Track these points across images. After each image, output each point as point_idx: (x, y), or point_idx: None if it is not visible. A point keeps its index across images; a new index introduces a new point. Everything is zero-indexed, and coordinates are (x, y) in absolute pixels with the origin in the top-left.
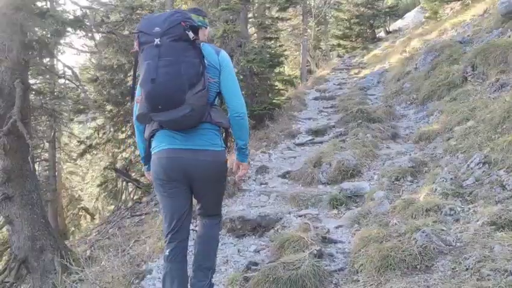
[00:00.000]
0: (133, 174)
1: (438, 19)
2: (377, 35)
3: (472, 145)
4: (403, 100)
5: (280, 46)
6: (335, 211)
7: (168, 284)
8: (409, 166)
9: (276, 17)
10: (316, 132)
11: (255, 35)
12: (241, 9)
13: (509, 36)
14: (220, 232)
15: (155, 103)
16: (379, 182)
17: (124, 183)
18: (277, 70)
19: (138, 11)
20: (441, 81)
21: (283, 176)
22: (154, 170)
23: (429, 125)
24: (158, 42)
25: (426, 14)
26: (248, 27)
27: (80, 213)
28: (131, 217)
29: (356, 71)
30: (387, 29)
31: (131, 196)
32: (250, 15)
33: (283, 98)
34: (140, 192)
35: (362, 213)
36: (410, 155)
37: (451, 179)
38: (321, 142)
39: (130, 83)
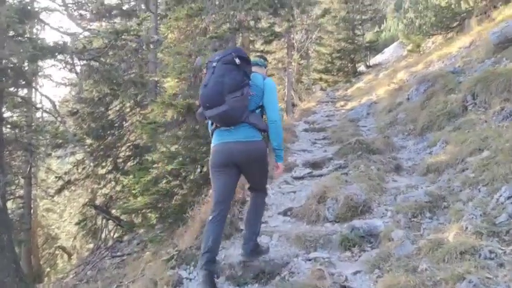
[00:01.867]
0: (113, 211)
1: (421, 52)
2: (358, 69)
3: (494, 177)
4: (399, 131)
5: None
6: (348, 253)
7: (205, 239)
8: (426, 201)
9: (261, 50)
10: (314, 165)
11: None
12: (230, 38)
13: (505, 66)
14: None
15: (205, 102)
16: (394, 219)
17: (104, 220)
18: None
19: (124, 36)
20: (440, 111)
21: (285, 213)
22: (210, 161)
23: (435, 156)
24: (215, 65)
25: (409, 48)
26: None
27: (57, 252)
28: (111, 258)
29: (342, 103)
30: (368, 63)
31: (112, 235)
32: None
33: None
34: (121, 231)
35: (381, 256)
36: (422, 188)
37: (481, 215)
38: (320, 175)
39: (112, 116)
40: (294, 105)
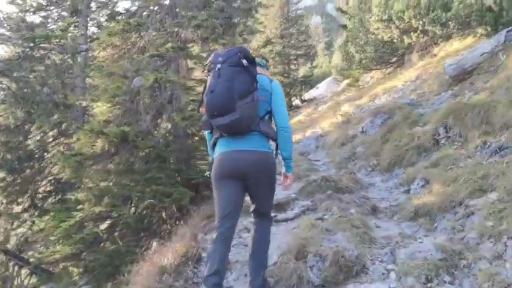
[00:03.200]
0: (30, 253)
1: (360, 87)
2: (293, 103)
3: None
4: (362, 166)
5: None
6: None
7: (211, 260)
8: (439, 258)
9: (200, 79)
10: (277, 207)
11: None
12: (173, 58)
13: (470, 98)
14: None
15: (212, 110)
16: (402, 284)
17: (17, 267)
18: None
19: (43, 44)
20: (406, 144)
21: None
22: (214, 171)
23: (418, 196)
24: (219, 67)
25: (348, 82)
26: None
27: None
28: None
29: None
30: (303, 97)
31: (25, 284)
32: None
33: None
34: (37, 280)
35: None
36: (420, 239)
37: None
38: (286, 220)
39: (31, 146)
40: None
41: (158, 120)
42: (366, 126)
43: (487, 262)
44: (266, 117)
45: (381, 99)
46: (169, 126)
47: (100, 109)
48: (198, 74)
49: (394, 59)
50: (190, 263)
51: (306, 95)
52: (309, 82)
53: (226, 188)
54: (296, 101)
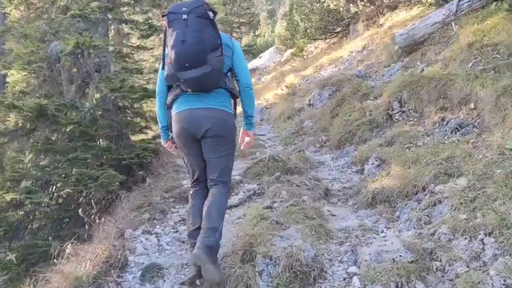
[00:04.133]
0: None
1: (304, 57)
2: None
3: (503, 222)
4: (310, 142)
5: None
6: None
7: (192, 215)
8: (409, 260)
9: (137, 46)
10: None
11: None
12: (100, 20)
13: (422, 70)
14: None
15: (183, 61)
16: None
17: None
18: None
19: None
20: (357, 119)
21: (191, 283)
22: (174, 130)
23: (374, 179)
24: (186, 17)
25: (292, 51)
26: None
27: None
28: None
29: None
30: None
31: None
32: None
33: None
34: None
35: None
36: (385, 233)
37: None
38: (230, 207)
39: None
40: None
41: (87, 91)
42: (313, 99)
43: (464, 264)
44: (228, 74)
45: (327, 70)
46: (97, 98)
47: (14, 78)
48: (133, 40)
49: (339, 29)
50: (113, 271)
51: (249, 65)
52: (252, 51)
53: (192, 154)
54: None
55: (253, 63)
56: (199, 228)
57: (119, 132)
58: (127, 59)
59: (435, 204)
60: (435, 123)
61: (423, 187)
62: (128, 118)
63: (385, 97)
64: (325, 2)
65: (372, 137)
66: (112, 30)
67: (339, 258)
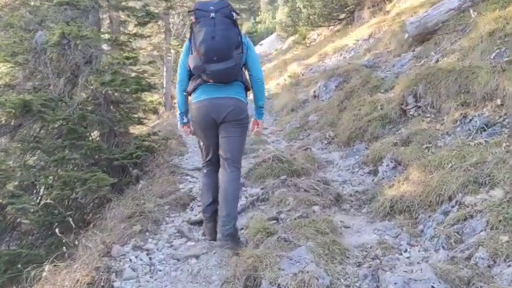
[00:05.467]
0: None
1: (307, 45)
2: None
3: None
4: (316, 138)
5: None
6: None
7: (206, 192)
8: None
9: (134, 33)
10: None
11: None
12: (90, 7)
13: (437, 60)
14: None
15: (212, 55)
16: None
17: None
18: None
19: None
20: (368, 114)
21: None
22: (193, 117)
23: (391, 184)
24: (213, 16)
25: (294, 39)
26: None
27: None
28: None
29: None
30: None
31: None
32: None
33: (157, 137)
34: None
35: None
36: (407, 252)
37: None
38: None
39: None
40: (173, 98)
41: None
42: (318, 90)
43: None
44: (242, 68)
45: (331, 59)
46: (87, 91)
47: None
48: (130, 28)
49: (343, 16)
50: None
51: None
52: (253, 38)
53: (208, 137)
54: None
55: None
56: (211, 203)
57: (110, 129)
58: (123, 47)
59: (466, 219)
60: (456, 120)
61: (450, 197)
62: (122, 113)
63: (398, 90)
64: None
65: (385, 134)
66: (108, 18)
67: (357, 284)
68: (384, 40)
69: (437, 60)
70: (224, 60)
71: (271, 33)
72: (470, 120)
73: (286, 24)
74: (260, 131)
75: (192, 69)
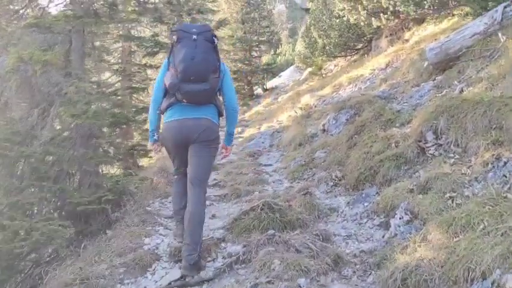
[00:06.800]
0: None
1: (323, 76)
2: (255, 92)
3: None
4: (321, 179)
5: None
6: None
7: (177, 197)
8: None
9: (144, 64)
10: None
11: (118, 84)
12: (73, 32)
13: (461, 91)
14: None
15: (189, 74)
16: None
17: None
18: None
19: None
20: (380, 152)
21: None
22: (165, 136)
23: (403, 245)
24: (195, 38)
25: (310, 70)
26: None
27: None
28: None
29: (239, 129)
30: (265, 86)
31: None
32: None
33: (135, 177)
34: None
35: None
36: None
37: None
38: (202, 282)
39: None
40: None
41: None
42: (328, 124)
43: None
44: (217, 93)
45: (346, 90)
46: (63, 125)
47: None
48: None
49: (360, 45)
50: None
51: (269, 84)
52: (272, 70)
53: (178, 153)
54: (258, 90)
55: (272, 82)
56: (183, 207)
57: (80, 167)
58: (131, 77)
59: None
60: (487, 163)
61: (483, 273)
62: (99, 149)
63: (415, 125)
64: (344, 16)
65: (400, 177)
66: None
67: None
68: (402, 69)
69: (462, 90)
70: (200, 81)
71: (291, 65)
72: (505, 163)
73: (305, 56)
74: (227, 155)
75: (167, 86)
